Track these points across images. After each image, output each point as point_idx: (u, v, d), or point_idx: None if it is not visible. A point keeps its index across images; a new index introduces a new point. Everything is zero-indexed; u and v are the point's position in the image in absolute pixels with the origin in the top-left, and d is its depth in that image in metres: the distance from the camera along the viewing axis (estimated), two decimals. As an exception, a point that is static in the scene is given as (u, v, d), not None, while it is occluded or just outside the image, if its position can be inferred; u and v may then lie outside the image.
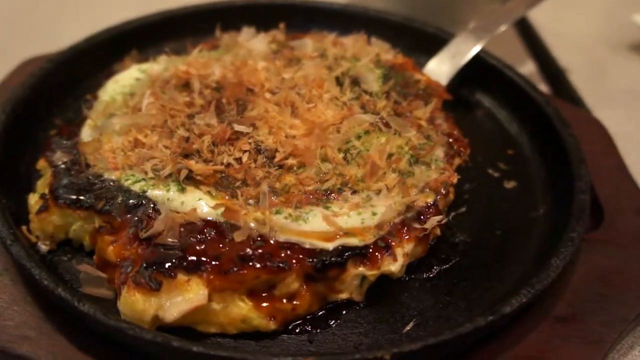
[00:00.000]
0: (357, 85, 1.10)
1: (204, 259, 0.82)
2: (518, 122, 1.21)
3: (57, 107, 1.15)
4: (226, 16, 1.32)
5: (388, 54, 1.21)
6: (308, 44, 1.18)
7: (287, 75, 1.09)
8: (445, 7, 1.53)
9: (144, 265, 0.82)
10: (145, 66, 1.15)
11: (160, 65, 1.14)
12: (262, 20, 1.28)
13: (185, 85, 1.08)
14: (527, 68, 1.52)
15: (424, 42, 1.33)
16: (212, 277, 0.81)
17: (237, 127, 0.97)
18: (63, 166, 0.94)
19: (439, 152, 1.02)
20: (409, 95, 1.11)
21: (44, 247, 0.93)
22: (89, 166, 0.95)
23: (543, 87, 1.41)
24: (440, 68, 1.26)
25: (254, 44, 1.16)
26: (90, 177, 0.93)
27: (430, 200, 0.93)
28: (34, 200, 0.95)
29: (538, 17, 1.65)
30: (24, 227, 0.93)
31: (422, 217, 0.91)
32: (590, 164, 1.05)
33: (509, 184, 1.10)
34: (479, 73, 1.27)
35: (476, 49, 1.26)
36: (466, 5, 1.53)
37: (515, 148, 1.17)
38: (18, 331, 0.83)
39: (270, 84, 1.07)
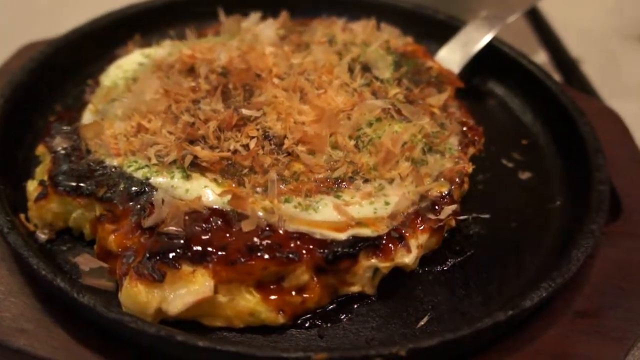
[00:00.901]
0: (367, 72, 1.07)
1: (209, 249, 0.79)
2: (532, 111, 1.18)
3: (57, 92, 1.12)
4: (231, 1, 1.28)
5: (398, 40, 1.17)
6: (317, 29, 1.14)
7: (296, 61, 1.05)
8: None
9: (147, 255, 0.78)
10: (148, 51, 1.12)
11: (164, 50, 1.11)
12: (269, 5, 1.24)
13: (190, 70, 1.04)
14: (539, 58, 1.49)
15: (434, 29, 1.29)
16: (218, 268, 0.78)
17: (245, 112, 0.93)
18: (63, 152, 0.91)
19: (453, 141, 0.98)
20: (420, 82, 1.07)
21: (42, 236, 0.89)
22: (89, 152, 0.91)
23: (555, 78, 1.38)
24: (452, 56, 1.22)
25: (261, 29, 1.13)
26: (91, 164, 0.89)
27: (444, 190, 0.89)
28: (32, 187, 0.91)
29: (549, 7, 1.61)
30: (22, 215, 0.90)
31: (436, 207, 0.87)
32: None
33: (524, 175, 1.06)
34: (491, 61, 1.23)
35: (488, 37, 1.23)
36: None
37: (530, 138, 1.14)
38: (15, 324, 0.79)
39: (278, 69, 1.03)
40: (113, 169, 0.88)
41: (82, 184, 0.87)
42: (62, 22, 1.26)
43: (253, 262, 0.78)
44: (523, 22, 1.58)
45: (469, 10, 1.42)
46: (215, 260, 0.78)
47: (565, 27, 1.58)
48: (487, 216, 0.97)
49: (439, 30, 1.28)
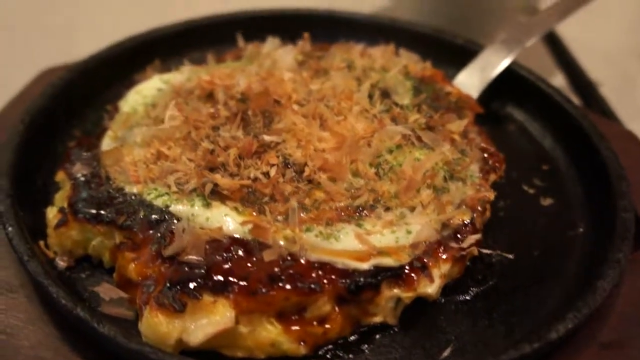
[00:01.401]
0: (387, 98, 1.06)
1: (230, 278, 0.78)
2: (552, 136, 1.16)
3: (76, 118, 1.12)
4: (250, 26, 1.29)
5: (417, 65, 1.17)
6: (335, 54, 1.14)
7: (315, 87, 1.05)
8: (473, 18, 1.50)
9: (168, 284, 0.78)
10: (167, 76, 1.12)
11: (183, 75, 1.11)
12: (286, 30, 1.25)
13: (209, 96, 1.04)
14: (556, 81, 1.48)
15: (452, 53, 1.29)
16: (239, 298, 0.77)
17: (267, 137, 0.93)
18: (83, 179, 0.91)
19: (474, 168, 0.97)
20: (440, 108, 1.07)
21: (62, 263, 0.89)
22: (109, 179, 0.91)
23: (573, 101, 1.37)
24: (470, 80, 1.21)
25: (280, 54, 1.13)
26: (111, 191, 0.89)
27: (467, 218, 0.88)
28: (52, 214, 0.91)
29: (566, 29, 1.60)
30: (41, 242, 0.90)
31: (458, 235, 0.86)
32: (627, 180, 1.00)
33: (545, 201, 1.05)
34: (509, 85, 1.22)
35: (507, 61, 1.22)
36: (494, 17, 1.50)
37: (550, 163, 1.12)
38: (33, 352, 0.79)
39: (297, 96, 1.03)
40: (133, 197, 0.88)
41: (102, 212, 0.86)
42: (80, 46, 1.27)
43: (274, 293, 0.77)
44: (539, 45, 1.58)
45: (485, 33, 1.42)
46: (236, 290, 0.77)
47: (583, 49, 1.57)
48: (509, 244, 0.96)
49: (457, 55, 1.27)
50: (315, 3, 1.39)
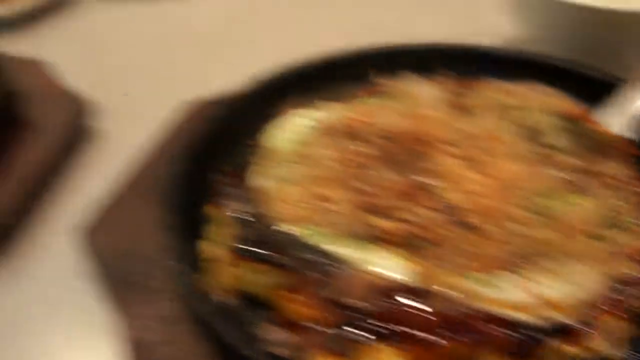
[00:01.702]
0: (536, 138, 1.04)
1: (395, 326, 0.77)
2: None
3: (223, 152, 1.15)
4: (380, 61, 1.29)
5: (563, 103, 1.13)
6: (478, 92, 1.13)
7: (462, 126, 1.03)
8: (609, 50, 1.44)
9: (331, 328, 0.78)
10: (311, 113, 1.14)
11: (326, 113, 1.13)
12: (421, 65, 1.24)
13: (354, 134, 1.05)
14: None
15: (592, 89, 1.23)
16: (406, 346, 0.76)
17: (421, 180, 0.92)
18: (245, 217, 0.93)
19: (635, 215, 0.93)
20: (592, 149, 1.03)
21: (223, 299, 0.91)
22: (265, 217, 0.93)
23: None
24: (617, 119, 1.16)
25: (421, 91, 1.12)
26: (270, 230, 0.91)
27: (635, 270, 0.84)
28: (209, 249, 0.94)
29: None
30: (200, 277, 0.92)
31: (629, 289, 0.82)
32: None
33: None
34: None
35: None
36: (633, 48, 1.43)
37: None
38: (197, 386, 0.81)
39: (445, 135, 1.02)
40: (293, 237, 0.89)
41: (264, 251, 0.88)
42: (214, 80, 1.31)
43: (442, 343, 0.76)
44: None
45: (624, 67, 1.36)
46: (403, 338, 0.77)
47: None
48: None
49: (598, 90, 1.22)
50: (431, 35, 1.37)
